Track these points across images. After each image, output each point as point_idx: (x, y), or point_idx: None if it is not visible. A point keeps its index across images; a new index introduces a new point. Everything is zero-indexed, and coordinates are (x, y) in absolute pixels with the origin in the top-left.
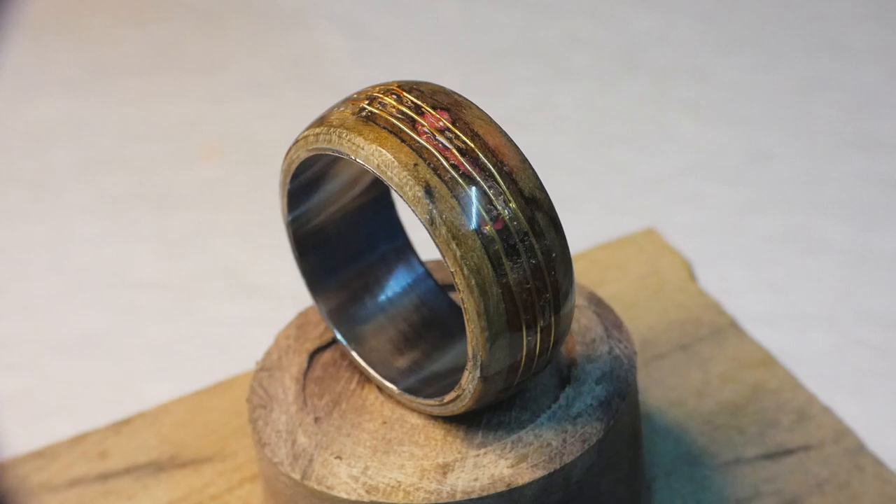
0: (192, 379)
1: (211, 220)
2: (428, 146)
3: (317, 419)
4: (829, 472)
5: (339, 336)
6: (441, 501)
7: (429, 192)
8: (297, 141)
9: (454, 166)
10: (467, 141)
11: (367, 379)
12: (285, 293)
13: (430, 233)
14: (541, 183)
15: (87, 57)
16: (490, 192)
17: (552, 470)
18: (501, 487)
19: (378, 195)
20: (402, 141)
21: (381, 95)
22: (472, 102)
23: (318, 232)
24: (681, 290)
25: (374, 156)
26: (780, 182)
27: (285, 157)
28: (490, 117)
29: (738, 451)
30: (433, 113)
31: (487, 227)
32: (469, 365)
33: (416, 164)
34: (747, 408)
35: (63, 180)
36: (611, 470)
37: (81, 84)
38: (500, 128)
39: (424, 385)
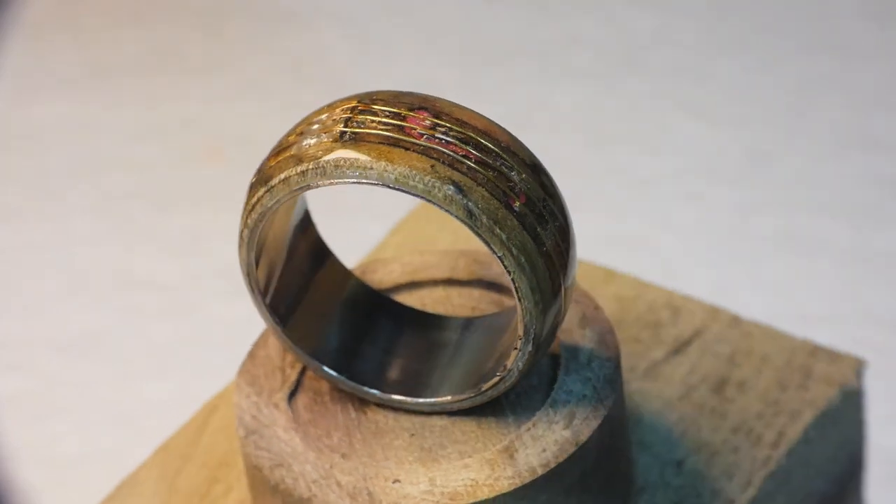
0: (192, 379)
1: (211, 220)
2: (432, 146)
3: (343, 455)
4: (729, 346)
5: (331, 372)
6: (527, 481)
7: (457, 187)
8: (269, 187)
9: (465, 157)
10: (461, 130)
11: (363, 402)
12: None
13: (469, 226)
14: (531, 150)
15: (87, 57)
16: (505, 171)
17: (602, 416)
18: (571, 448)
19: (299, 223)
20: (406, 149)
21: (351, 114)
22: (435, 95)
23: (283, 289)
24: None
25: (389, 171)
26: (779, 182)
27: (248, 214)
28: (460, 104)
29: (649, 356)
30: (413, 114)
31: (517, 204)
32: (519, 343)
33: (432, 166)
34: (626, 319)
35: (63, 180)
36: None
37: (81, 84)
38: (475, 110)
39: (423, 387)
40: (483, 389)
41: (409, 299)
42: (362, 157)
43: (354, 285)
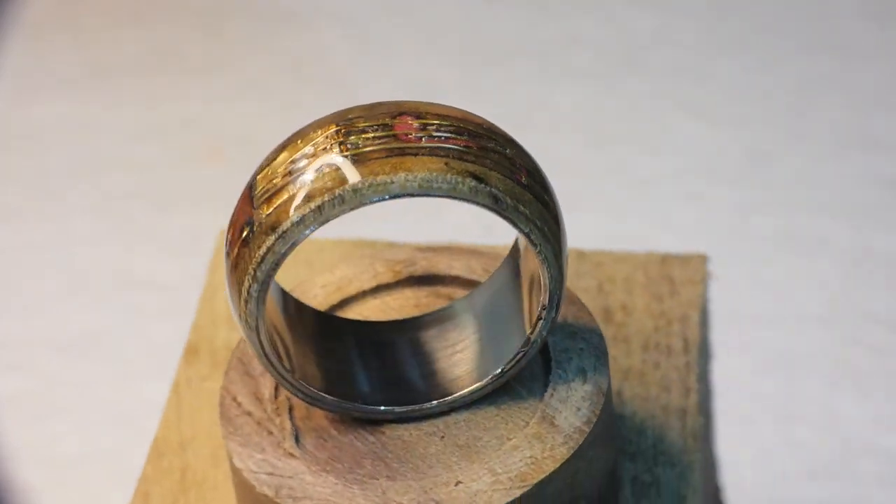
0: None
1: (211, 220)
2: (434, 145)
3: (388, 478)
4: (592, 278)
5: (366, 407)
6: (581, 441)
7: (476, 178)
8: (280, 233)
9: (466, 147)
10: (448, 123)
11: (373, 424)
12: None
13: (496, 211)
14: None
15: (87, 57)
16: (500, 150)
17: (607, 360)
18: (600, 399)
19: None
20: (415, 154)
21: (340, 138)
22: (401, 99)
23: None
24: None
25: (411, 181)
26: (779, 182)
27: (255, 268)
28: (426, 100)
29: None
30: (397, 121)
31: (523, 179)
32: (544, 312)
33: (446, 164)
34: None
35: (63, 180)
36: None
37: (81, 84)
38: (442, 103)
39: (436, 388)
40: (505, 370)
41: (350, 315)
42: (379, 176)
43: (313, 315)
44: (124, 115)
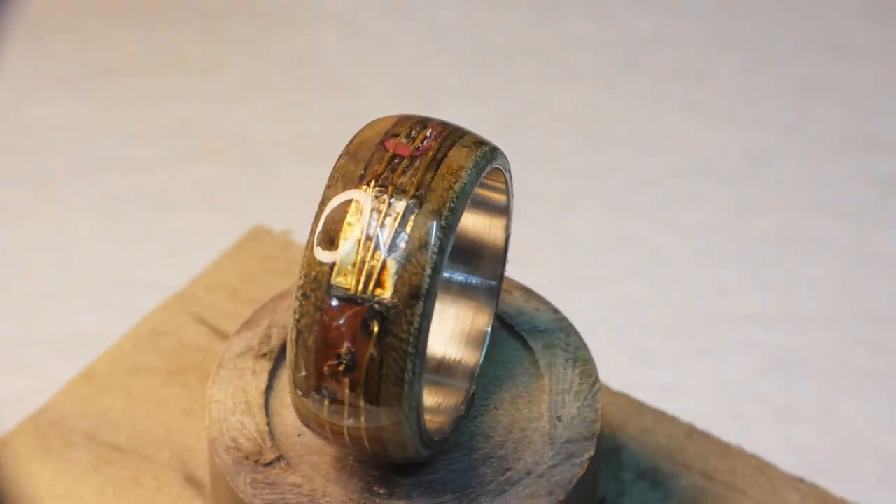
0: None
1: (211, 220)
2: (435, 145)
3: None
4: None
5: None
6: (597, 431)
7: (492, 149)
8: (423, 297)
9: (447, 134)
10: (412, 129)
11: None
12: None
13: (510, 180)
14: None
15: (87, 57)
16: (452, 125)
17: (580, 339)
18: (591, 384)
19: None
20: (443, 158)
21: (382, 190)
22: (356, 139)
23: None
24: None
25: (458, 179)
26: (779, 182)
27: (412, 343)
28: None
29: None
30: (391, 144)
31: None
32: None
33: (468, 153)
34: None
35: (63, 180)
36: None
37: (81, 84)
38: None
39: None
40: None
41: None
42: (456, 174)
43: None
44: (124, 115)
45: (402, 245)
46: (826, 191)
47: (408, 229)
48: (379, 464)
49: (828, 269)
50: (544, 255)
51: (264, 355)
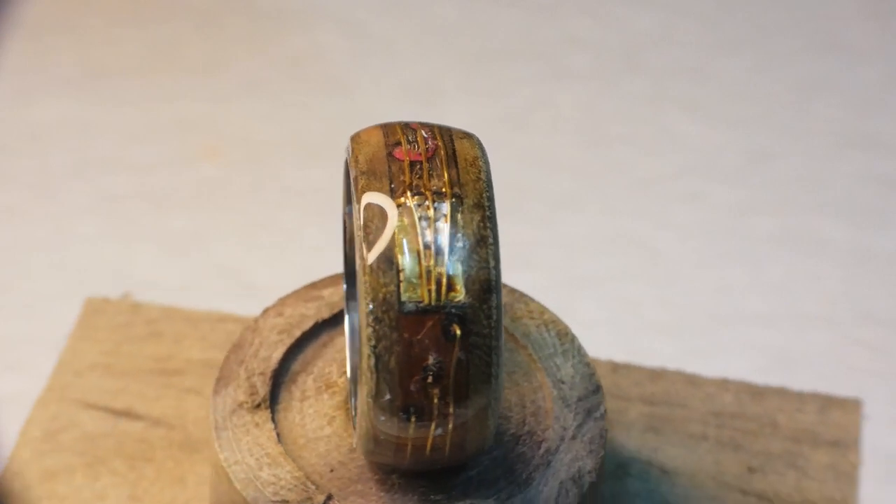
0: None
1: (211, 220)
2: (439, 144)
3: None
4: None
5: None
6: (599, 380)
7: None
8: (493, 289)
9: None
10: (411, 129)
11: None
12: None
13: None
14: None
15: (87, 57)
16: (449, 126)
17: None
18: (571, 341)
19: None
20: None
21: (418, 198)
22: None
23: None
24: None
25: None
26: (779, 182)
27: (493, 334)
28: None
29: None
30: (398, 151)
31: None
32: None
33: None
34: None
35: (63, 180)
36: None
37: (81, 84)
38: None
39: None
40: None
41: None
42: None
43: None
44: (124, 115)
45: (461, 244)
46: (826, 191)
47: (461, 228)
48: (420, 474)
49: (828, 269)
50: (544, 255)
51: (258, 406)
